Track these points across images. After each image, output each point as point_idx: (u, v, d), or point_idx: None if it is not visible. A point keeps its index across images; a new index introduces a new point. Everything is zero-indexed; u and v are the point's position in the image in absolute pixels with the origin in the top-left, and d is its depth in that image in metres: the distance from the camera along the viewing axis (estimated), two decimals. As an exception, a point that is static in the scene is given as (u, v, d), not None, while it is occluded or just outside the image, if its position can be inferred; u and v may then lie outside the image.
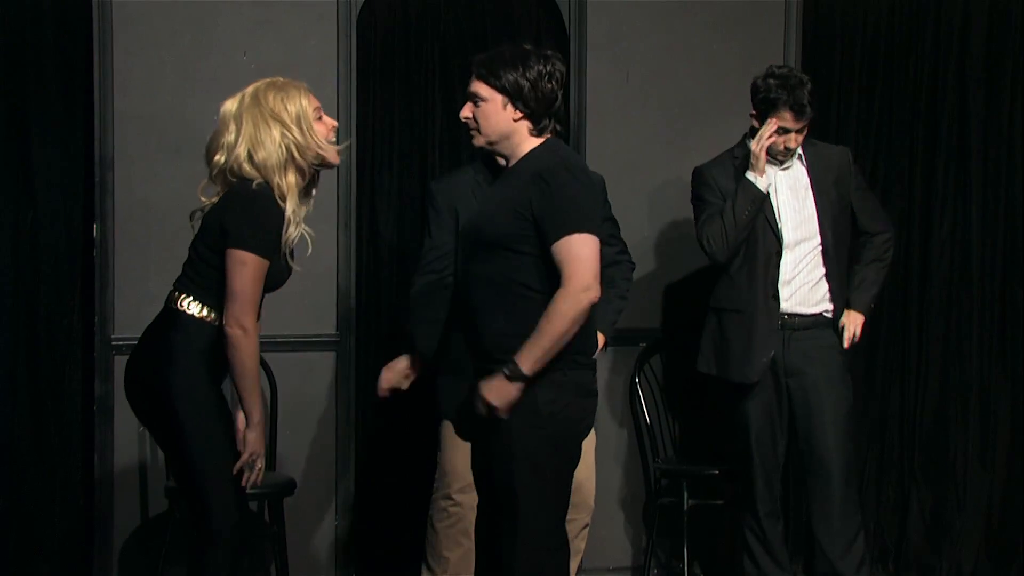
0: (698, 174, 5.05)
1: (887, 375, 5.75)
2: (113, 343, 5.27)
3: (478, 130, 3.91)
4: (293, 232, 3.91)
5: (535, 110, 3.86)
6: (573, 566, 4.74)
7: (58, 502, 5.29)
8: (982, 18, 5.67)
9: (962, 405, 5.72)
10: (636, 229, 5.15)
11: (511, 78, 3.85)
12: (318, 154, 3.91)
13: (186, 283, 3.90)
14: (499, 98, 3.86)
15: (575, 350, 3.80)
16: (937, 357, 5.74)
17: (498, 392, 3.75)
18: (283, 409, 5.28)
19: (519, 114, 3.86)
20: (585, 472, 4.68)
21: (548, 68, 3.87)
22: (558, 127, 3.94)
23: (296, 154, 3.87)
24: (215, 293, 3.85)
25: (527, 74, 3.85)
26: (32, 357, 5.27)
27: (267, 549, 5.25)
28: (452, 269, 4.62)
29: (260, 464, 3.88)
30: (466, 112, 3.92)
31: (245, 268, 3.81)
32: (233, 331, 3.77)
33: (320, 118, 3.93)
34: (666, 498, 5.48)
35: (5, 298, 5.18)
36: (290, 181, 3.88)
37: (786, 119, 4.79)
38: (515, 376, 3.71)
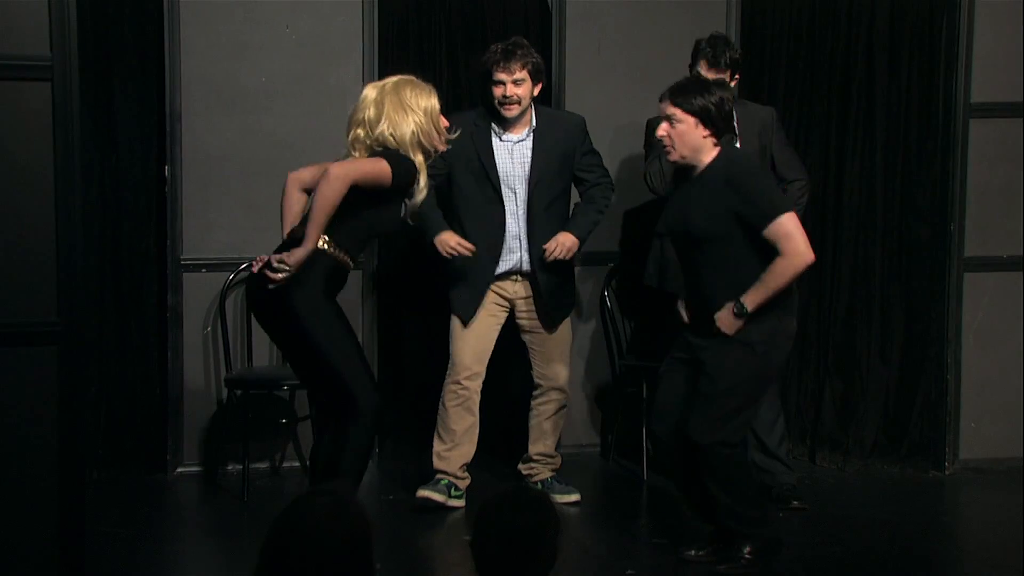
0: (648, 125, 5.11)
1: (808, 289, 5.77)
2: (182, 262, 5.48)
3: (673, 147, 4.18)
4: (420, 198, 4.15)
5: (719, 128, 4.18)
6: (553, 442, 5.14)
7: (139, 392, 5.55)
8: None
9: (866, 313, 5.83)
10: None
11: (700, 103, 4.14)
12: (433, 141, 4.13)
13: (329, 231, 4.02)
14: (691, 119, 4.15)
15: (786, 302, 4.19)
16: (847, 275, 5.83)
17: (728, 322, 4.14)
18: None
19: (707, 132, 4.16)
20: (561, 363, 5.18)
21: (724, 95, 4.20)
22: (733, 136, 4.26)
23: (422, 138, 4.10)
24: (337, 228, 3.98)
25: (711, 99, 4.15)
26: (116, 274, 5.50)
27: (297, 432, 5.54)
28: (441, 179, 4.89)
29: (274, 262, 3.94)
30: (662, 131, 4.19)
31: (377, 163, 3.99)
32: (331, 171, 3.90)
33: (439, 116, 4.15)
34: (629, 389, 5.65)
35: (94, 226, 5.36)
36: (419, 160, 4.12)
37: (702, 68, 4.89)
38: (741, 312, 4.12)
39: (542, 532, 2.65)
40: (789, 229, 4.13)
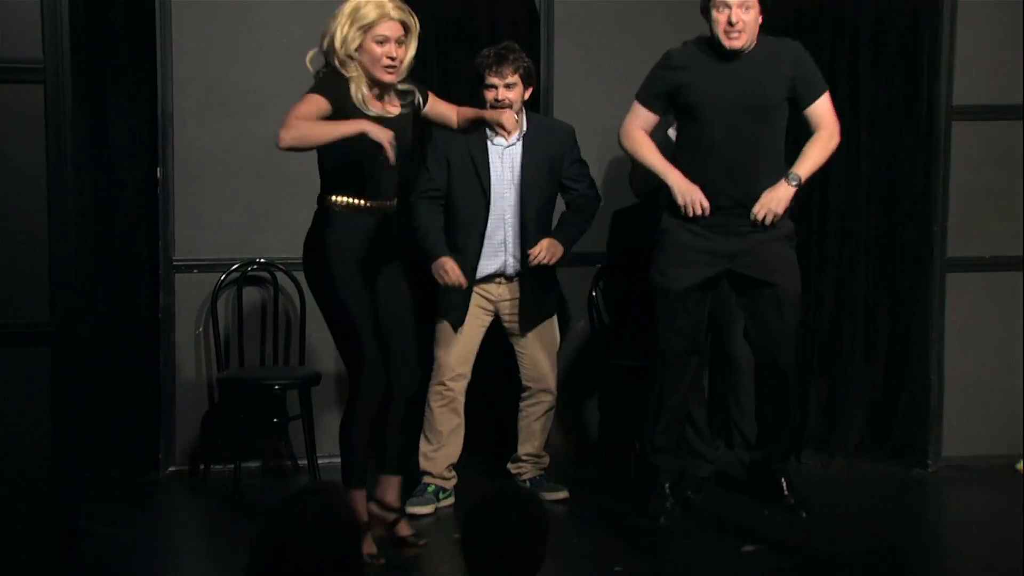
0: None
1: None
2: (173, 263, 5.50)
3: (744, 32, 4.40)
4: (362, 99, 4.03)
5: (765, 16, 4.52)
6: (541, 442, 5.17)
7: (132, 390, 5.60)
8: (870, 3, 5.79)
9: (851, 313, 5.87)
10: (591, 170, 5.34)
11: None
12: (345, 58, 4.01)
13: (325, 183, 4.13)
14: (758, 6, 4.47)
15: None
16: (831, 275, 5.87)
17: (778, 196, 4.34)
18: (309, 312, 5.38)
19: (762, 19, 4.49)
20: (548, 365, 5.21)
21: None
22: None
23: (337, 46, 4.04)
24: (325, 182, 4.02)
25: None
26: (109, 274, 5.54)
27: (297, 430, 5.50)
28: (443, 201, 5.00)
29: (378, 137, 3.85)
30: (737, 16, 4.41)
31: (304, 100, 3.96)
32: (279, 138, 3.92)
33: (382, 43, 4.00)
34: (617, 388, 5.68)
35: (87, 226, 5.36)
36: (351, 71, 4.01)
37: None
38: (796, 183, 4.36)
39: (531, 530, 2.65)
40: (830, 107, 4.46)
